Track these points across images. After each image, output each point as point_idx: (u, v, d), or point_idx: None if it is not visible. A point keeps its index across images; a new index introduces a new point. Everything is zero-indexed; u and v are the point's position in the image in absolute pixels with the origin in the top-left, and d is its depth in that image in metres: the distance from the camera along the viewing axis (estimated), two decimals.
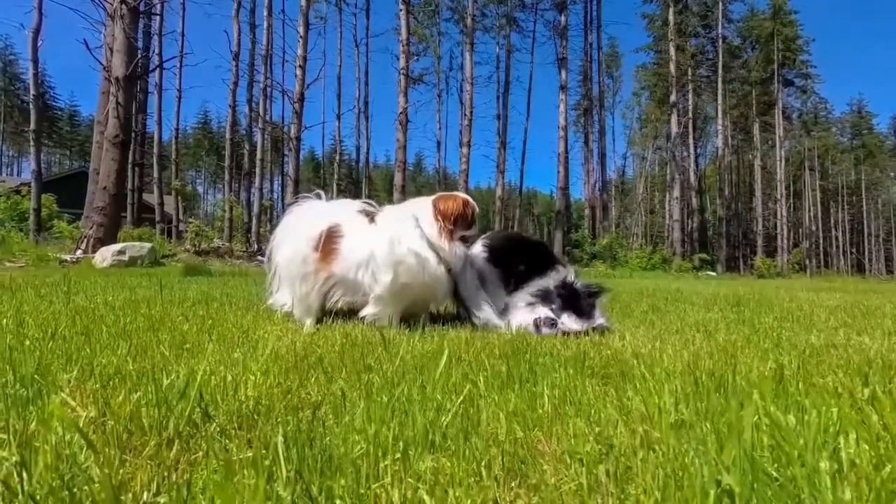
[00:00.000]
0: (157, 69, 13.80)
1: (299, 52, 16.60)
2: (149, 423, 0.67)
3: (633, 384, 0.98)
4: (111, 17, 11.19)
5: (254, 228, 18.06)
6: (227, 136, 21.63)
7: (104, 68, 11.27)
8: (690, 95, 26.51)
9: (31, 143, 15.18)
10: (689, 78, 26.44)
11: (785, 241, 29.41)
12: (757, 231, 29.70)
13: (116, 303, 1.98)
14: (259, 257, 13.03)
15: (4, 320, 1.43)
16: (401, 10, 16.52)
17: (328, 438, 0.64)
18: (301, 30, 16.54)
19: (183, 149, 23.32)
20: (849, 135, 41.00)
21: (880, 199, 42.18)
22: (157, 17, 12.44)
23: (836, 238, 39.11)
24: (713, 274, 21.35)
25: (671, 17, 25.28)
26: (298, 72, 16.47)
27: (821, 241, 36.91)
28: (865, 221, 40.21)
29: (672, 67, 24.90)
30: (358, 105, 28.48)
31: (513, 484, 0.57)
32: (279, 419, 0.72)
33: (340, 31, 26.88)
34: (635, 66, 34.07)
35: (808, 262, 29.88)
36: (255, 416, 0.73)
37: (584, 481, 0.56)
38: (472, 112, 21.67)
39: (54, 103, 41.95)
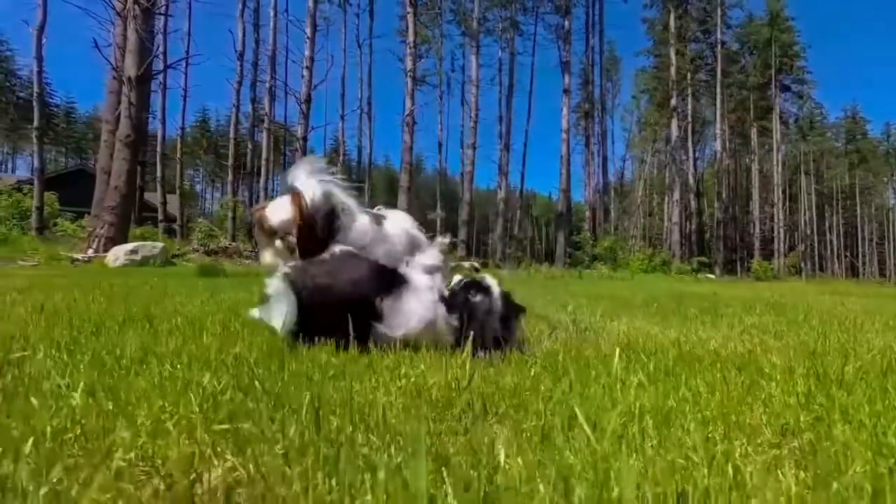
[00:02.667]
0: (167, 69, 13.77)
1: (306, 52, 16.63)
2: None
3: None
4: (120, 15, 11.18)
5: None
6: (231, 135, 21.61)
7: (113, 68, 11.25)
8: (690, 100, 26.82)
9: (35, 140, 15.10)
10: (689, 82, 26.74)
11: (781, 245, 29.81)
12: (754, 234, 30.07)
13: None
14: None
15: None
16: (408, 12, 16.61)
17: None
18: (308, 31, 16.58)
19: (184, 147, 23.20)
20: (843, 140, 41.67)
21: (873, 203, 42.87)
22: (163, 17, 12.44)
23: (831, 241, 39.70)
24: (712, 276, 21.59)
25: (672, 22, 25.57)
26: (305, 73, 16.50)
27: (815, 244, 37.43)
28: (859, 225, 40.85)
29: (673, 72, 25.18)
30: (361, 106, 28.53)
31: None
32: None
33: (344, 32, 26.91)
34: (635, 70, 34.42)
35: (803, 264, 30.29)
36: None
37: None
38: (477, 114, 21.77)
39: (50, 100, 41.57)
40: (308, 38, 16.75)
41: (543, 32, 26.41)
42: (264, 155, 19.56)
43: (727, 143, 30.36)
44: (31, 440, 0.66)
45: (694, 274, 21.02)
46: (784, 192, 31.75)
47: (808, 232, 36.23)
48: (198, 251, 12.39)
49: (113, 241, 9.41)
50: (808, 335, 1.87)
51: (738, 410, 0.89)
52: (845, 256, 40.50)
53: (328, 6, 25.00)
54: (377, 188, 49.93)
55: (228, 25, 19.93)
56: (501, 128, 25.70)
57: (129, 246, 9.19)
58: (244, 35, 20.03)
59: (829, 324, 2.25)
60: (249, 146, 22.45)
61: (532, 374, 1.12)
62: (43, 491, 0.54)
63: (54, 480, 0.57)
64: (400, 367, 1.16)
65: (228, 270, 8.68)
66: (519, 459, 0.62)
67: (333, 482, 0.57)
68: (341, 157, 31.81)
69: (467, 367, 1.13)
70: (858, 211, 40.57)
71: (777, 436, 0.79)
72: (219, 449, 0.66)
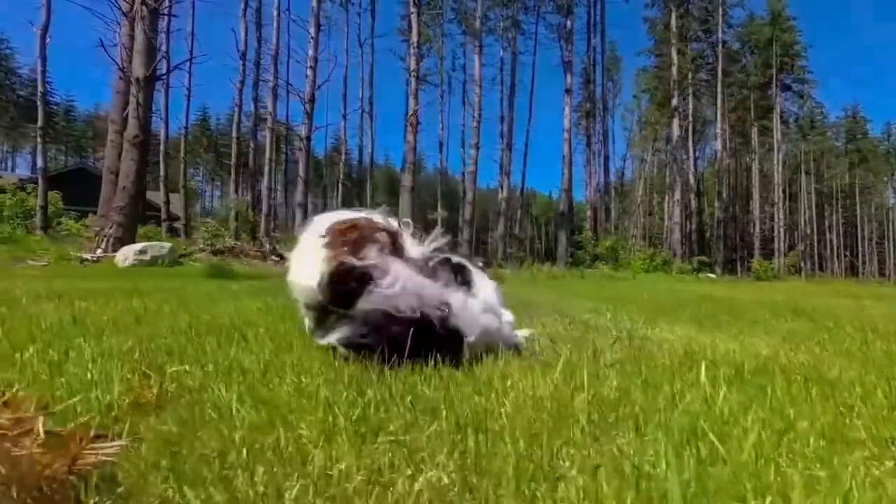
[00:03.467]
0: (174, 70, 13.76)
1: (310, 52, 16.63)
2: None
3: None
4: (126, 16, 11.16)
5: (263, 228, 18.03)
6: (233, 134, 21.57)
7: (120, 68, 11.23)
8: (690, 99, 26.89)
9: (38, 139, 15.05)
10: (690, 82, 26.82)
11: (781, 244, 29.96)
12: (754, 233, 30.19)
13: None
14: (273, 257, 13.05)
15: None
16: (412, 12, 16.58)
17: None
18: (312, 30, 16.57)
19: (186, 146, 23.15)
20: (843, 139, 41.86)
21: (873, 202, 43.09)
22: (166, 17, 12.43)
23: (830, 241, 39.91)
24: (713, 276, 21.69)
25: (673, 22, 25.62)
26: (309, 72, 16.49)
27: (815, 243, 37.63)
28: (859, 225, 41.08)
29: (674, 71, 25.23)
30: (362, 105, 28.52)
31: None
32: None
33: (346, 31, 26.87)
34: (636, 70, 34.46)
35: (802, 264, 30.45)
36: None
37: None
38: (480, 114, 21.77)
39: (50, 98, 41.36)
40: (312, 37, 16.74)
41: (545, 32, 26.44)
42: (267, 154, 19.54)
43: (728, 142, 30.47)
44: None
45: (695, 273, 21.12)
46: (784, 191, 31.90)
47: (808, 231, 36.41)
48: (204, 251, 12.39)
49: (121, 242, 9.42)
50: (850, 343, 1.90)
51: (841, 424, 0.92)
52: (845, 256, 40.72)
53: (330, 5, 24.95)
54: (378, 187, 49.93)
55: (230, 25, 19.90)
56: (503, 127, 25.72)
57: (138, 246, 9.20)
58: (246, 34, 19.99)
59: (862, 330, 2.29)
60: (251, 145, 22.41)
61: (615, 384, 1.15)
62: None
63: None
64: (498, 379, 1.20)
65: (238, 271, 8.70)
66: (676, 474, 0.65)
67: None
68: (343, 157, 31.81)
69: (555, 376, 1.17)
70: (858, 210, 40.79)
71: (883, 449, 0.82)
72: (396, 461, 0.70)
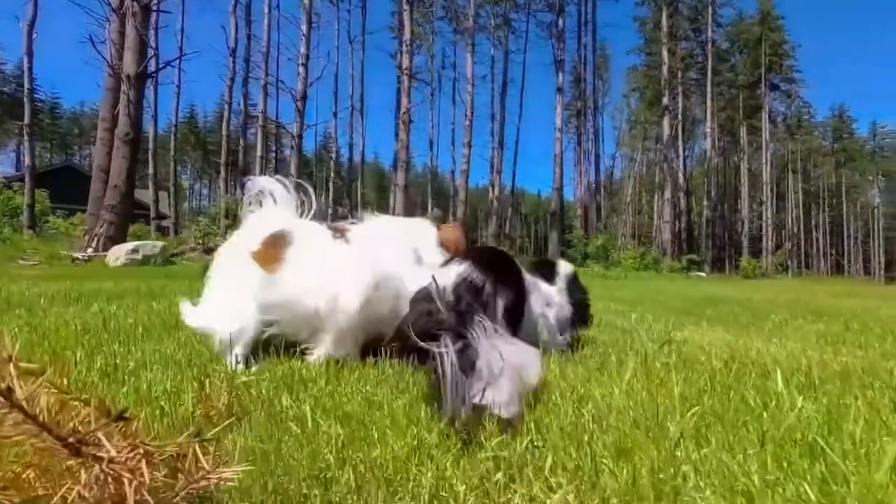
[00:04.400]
0: (164, 67, 13.44)
1: (302, 50, 16.40)
2: None
3: None
4: (116, 12, 10.87)
5: None
6: (223, 132, 21.21)
7: (109, 65, 10.93)
8: (680, 98, 27.20)
9: (25, 137, 14.64)
10: (679, 81, 27.11)
11: (769, 242, 30.53)
12: (742, 232, 30.71)
13: None
14: None
15: None
16: (404, 9, 16.46)
17: None
18: (304, 28, 16.34)
19: (171, 143, 22.71)
20: (830, 139, 42.78)
21: (859, 201, 44.13)
22: (158, 14, 12.16)
23: (817, 239, 40.77)
24: (702, 274, 22.00)
25: (664, 21, 25.84)
26: (301, 70, 16.27)
27: (802, 242, 38.43)
28: (845, 224, 42.05)
29: (665, 70, 25.47)
30: (352, 103, 28.29)
31: None
32: None
33: (337, 29, 26.60)
34: (626, 68, 34.74)
35: (789, 262, 31.07)
36: None
37: None
38: (472, 112, 21.74)
39: (35, 95, 40.20)
40: (304, 34, 16.51)
41: (535, 30, 26.50)
42: (258, 152, 19.25)
43: (716, 141, 30.91)
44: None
45: (685, 272, 21.39)
46: (772, 190, 32.50)
47: (795, 230, 37.16)
48: (196, 249, 12.18)
49: (113, 241, 9.20)
50: (889, 344, 1.91)
51: None
52: (831, 254, 41.65)
53: (320, 3, 24.64)
54: (367, 185, 49.60)
55: (219, 21, 19.57)
56: (494, 126, 25.72)
57: (130, 245, 8.99)
58: (236, 31, 19.66)
59: (892, 331, 2.30)
60: (241, 143, 22.07)
61: (693, 391, 1.12)
62: None
63: None
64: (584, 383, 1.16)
65: None
66: None
67: None
68: (333, 155, 31.52)
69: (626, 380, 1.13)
70: (844, 209, 41.75)
71: None
72: (505, 480, 0.66)
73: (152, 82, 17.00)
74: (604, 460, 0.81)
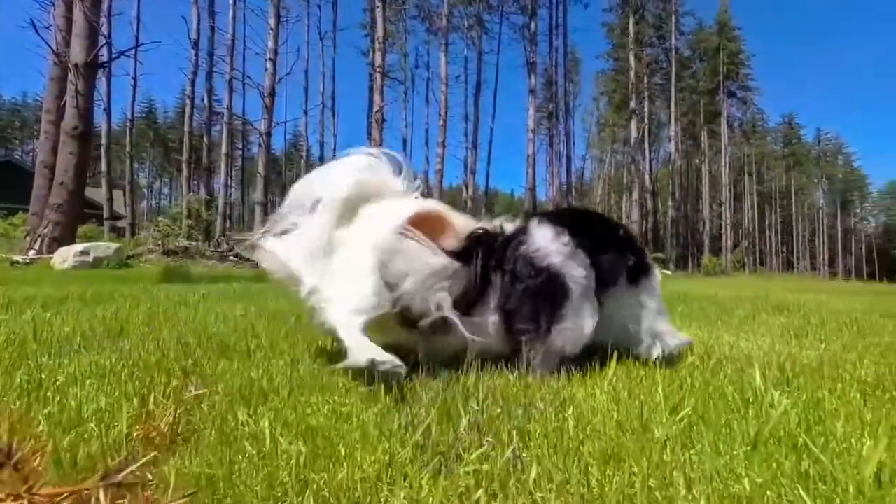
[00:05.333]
0: (118, 57, 12.63)
1: (269, 44, 15.87)
2: None
3: None
4: None
5: (219, 227, 17.05)
6: (185, 128, 20.23)
7: (55, 53, 10.15)
8: (646, 102, 28.21)
9: None
10: (645, 85, 28.12)
11: (728, 241, 32.16)
12: (704, 231, 32.20)
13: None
14: (231, 258, 12.34)
15: None
16: (377, 6, 16.23)
17: None
18: (272, 21, 15.82)
19: (126, 139, 21.42)
20: (781, 144, 45.61)
21: (806, 203, 47.33)
22: None
23: (770, 238, 43.39)
24: (668, 272, 22.86)
25: (631, 28, 26.72)
26: (269, 65, 15.74)
27: (757, 240, 40.80)
28: (794, 223, 44.98)
29: (632, 75, 26.33)
30: (323, 100, 27.70)
31: None
32: None
33: (307, 24, 25.95)
34: (595, 72, 35.68)
35: (746, 260, 32.87)
36: None
37: None
38: (446, 112, 21.73)
39: None
40: (271, 28, 15.97)
41: (508, 32, 26.78)
42: (223, 150, 18.47)
43: (680, 144, 32.26)
44: None
45: None
46: (730, 191, 34.27)
47: (751, 229, 39.37)
48: (154, 252, 11.51)
49: (59, 242, 8.56)
50: (846, 337, 1.98)
51: None
52: (782, 252, 44.45)
53: None
54: None
55: (180, 11, 18.62)
56: (468, 126, 25.81)
57: (79, 247, 8.39)
58: (199, 22, 18.76)
59: (847, 324, 2.40)
60: (205, 140, 21.11)
61: (673, 388, 1.09)
62: None
63: None
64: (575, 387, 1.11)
65: (197, 273, 8.11)
66: None
67: None
68: (304, 154, 30.74)
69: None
70: (794, 210, 44.67)
71: None
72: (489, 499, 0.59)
73: (104, 73, 16.01)
74: (592, 469, 0.76)
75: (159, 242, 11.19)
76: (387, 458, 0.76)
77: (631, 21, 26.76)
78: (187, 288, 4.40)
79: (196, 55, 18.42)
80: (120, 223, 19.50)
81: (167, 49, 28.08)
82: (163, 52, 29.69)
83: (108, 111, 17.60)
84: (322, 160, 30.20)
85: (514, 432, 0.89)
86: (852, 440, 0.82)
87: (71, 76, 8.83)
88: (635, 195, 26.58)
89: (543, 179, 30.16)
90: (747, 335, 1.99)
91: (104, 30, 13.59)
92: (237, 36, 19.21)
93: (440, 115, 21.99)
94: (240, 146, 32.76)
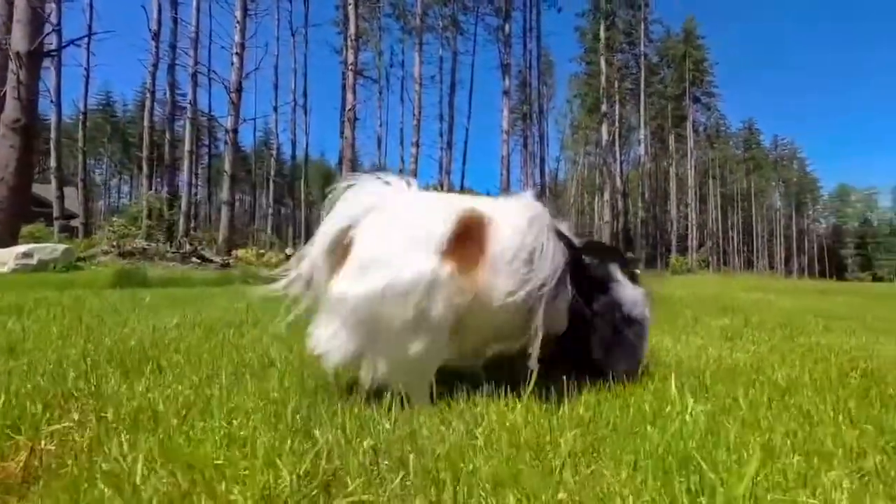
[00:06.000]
0: (67, 46, 11.88)
1: (236, 38, 15.34)
2: None
3: None
4: None
5: (182, 227, 16.36)
6: (145, 123, 19.32)
7: None
8: (617, 106, 28.99)
9: None
10: (616, 90, 28.90)
11: (693, 241, 33.49)
12: (671, 231, 33.40)
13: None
14: (194, 259, 11.85)
15: None
16: (349, 3, 15.98)
17: None
18: (238, 14, 15.29)
19: (85, 134, 20.25)
20: (742, 148, 47.96)
21: (765, 204, 49.94)
22: None
23: (732, 238, 45.56)
24: (637, 271, 23.60)
25: (602, 33, 27.37)
26: (235, 60, 15.21)
27: (720, 240, 42.75)
28: (754, 225, 47.40)
29: (603, 80, 26.99)
30: (294, 97, 27.08)
31: None
32: None
33: (277, 19, 25.30)
34: (569, 75, 36.39)
35: (711, 259, 34.33)
36: None
37: None
38: (420, 112, 21.64)
39: None
40: (238, 21, 15.43)
41: (484, 33, 26.93)
42: (186, 146, 17.74)
43: (649, 147, 33.35)
44: None
45: None
46: (696, 193, 35.72)
47: (715, 230, 41.19)
48: (109, 253, 10.90)
49: None
50: (777, 339, 2.04)
51: (809, 435, 0.90)
52: (743, 251, 46.75)
53: None
54: (313, 183, 47.72)
55: (140, 0, 17.69)
56: (443, 126, 25.80)
57: (21, 248, 7.84)
58: (160, 13, 17.94)
59: (781, 326, 2.49)
60: (167, 136, 20.21)
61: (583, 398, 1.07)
62: None
63: None
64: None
65: (154, 276, 7.71)
66: None
67: None
68: (274, 152, 29.98)
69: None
70: (753, 212, 47.09)
71: (853, 461, 0.81)
72: None
73: (53, 62, 15.02)
74: (482, 493, 0.72)
75: (115, 243, 10.58)
76: (266, 491, 0.70)
77: (602, 27, 27.40)
78: (134, 293, 4.16)
79: (156, 47, 17.59)
80: (73, 223, 18.41)
81: (125, 39, 26.81)
82: (121, 42, 28.28)
83: (57, 103, 16.54)
84: (294, 159, 29.48)
85: (413, 455, 0.83)
86: (742, 449, 0.81)
87: (12, 65, 8.23)
88: (607, 196, 27.25)
89: (518, 180, 30.49)
90: (687, 338, 2.02)
91: (53, 17, 12.79)
92: (201, 28, 18.51)
93: (414, 114, 21.88)
94: (206, 143, 31.62)
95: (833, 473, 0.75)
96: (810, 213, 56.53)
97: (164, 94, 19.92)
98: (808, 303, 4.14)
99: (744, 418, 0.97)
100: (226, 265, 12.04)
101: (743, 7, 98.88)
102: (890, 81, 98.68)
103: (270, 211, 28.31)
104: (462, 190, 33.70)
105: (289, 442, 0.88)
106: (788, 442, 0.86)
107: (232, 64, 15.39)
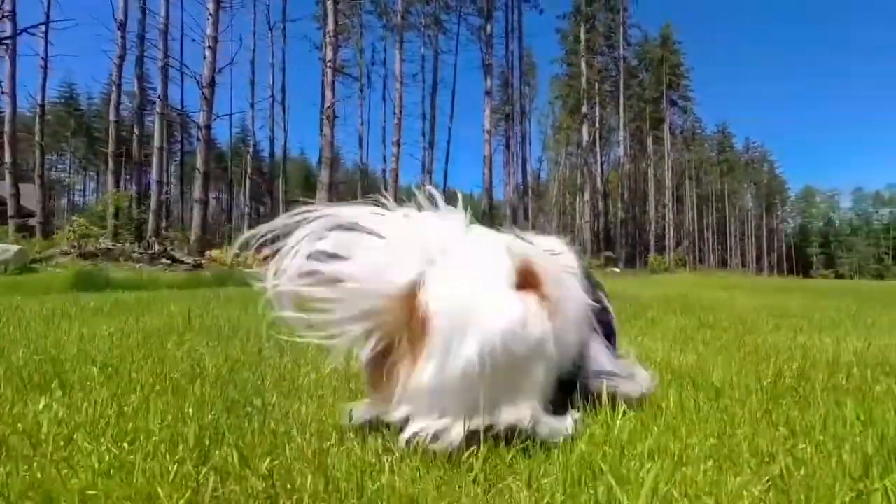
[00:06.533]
0: (21, 34, 11.28)
1: (209, 31, 14.89)
2: None
3: None
4: None
5: (151, 226, 15.80)
6: (111, 117, 18.54)
7: None
8: (597, 108, 29.46)
9: None
10: (596, 92, 29.36)
11: (671, 241, 34.38)
12: (650, 231, 34.19)
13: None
14: (164, 260, 11.45)
15: None
16: None
17: None
18: (211, 6, 14.84)
19: (44, 128, 19.31)
20: (716, 151, 49.53)
21: (738, 205, 51.74)
22: None
23: (707, 238, 47.08)
24: (617, 270, 24.08)
25: (582, 35, 27.75)
26: (208, 53, 14.77)
27: (696, 240, 44.11)
28: (728, 224, 49.08)
29: (583, 81, 27.36)
30: (273, 94, 26.54)
31: None
32: None
33: (254, 12, 24.73)
34: (550, 77, 36.77)
35: (687, 258, 35.31)
36: None
37: None
38: (401, 111, 21.49)
39: None
40: (210, 14, 14.98)
41: (466, 33, 26.91)
42: (156, 143, 17.13)
43: (628, 148, 34.02)
44: None
45: (602, 268, 23.26)
46: (673, 194, 36.69)
47: (691, 229, 42.42)
48: (69, 254, 10.40)
49: None
50: (727, 338, 2.05)
51: (727, 439, 0.88)
52: (718, 251, 48.41)
53: None
54: (293, 182, 46.89)
55: None
56: (425, 125, 25.70)
57: None
58: (126, 2, 17.23)
59: (735, 325, 2.52)
60: (136, 131, 19.47)
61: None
62: None
63: None
64: None
65: (116, 278, 7.37)
66: None
67: None
68: (251, 149, 29.32)
69: None
70: (727, 212, 48.80)
71: (762, 466, 0.79)
72: None
73: (7, 51, 14.25)
74: None
75: (75, 244, 10.07)
76: None
77: (582, 29, 27.78)
78: (77, 298, 3.92)
79: (123, 38, 16.89)
80: (31, 222, 17.52)
81: (89, 29, 25.65)
82: (85, 32, 27.11)
83: (12, 95, 15.67)
84: (272, 156, 28.87)
85: (311, 477, 0.77)
86: (652, 461, 0.79)
87: None
88: (587, 196, 27.67)
89: (501, 180, 30.64)
90: (642, 340, 2.02)
91: (7, 4, 12.13)
92: (172, 20, 17.91)
93: (395, 113, 21.71)
94: (178, 139, 30.67)
95: (739, 480, 0.73)
96: (779, 213, 58.81)
97: (133, 87, 19.21)
98: (766, 301, 4.26)
99: (668, 424, 0.95)
100: (198, 266, 11.66)
101: (716, 12, 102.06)
102: (849, 87, 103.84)
103: (247, 210, 27.67)
104: (445, 190, 33.62)
105: (175, 467, 0.80)
106: (705, 447, 0.84)
107: (204, 58, 14.94)
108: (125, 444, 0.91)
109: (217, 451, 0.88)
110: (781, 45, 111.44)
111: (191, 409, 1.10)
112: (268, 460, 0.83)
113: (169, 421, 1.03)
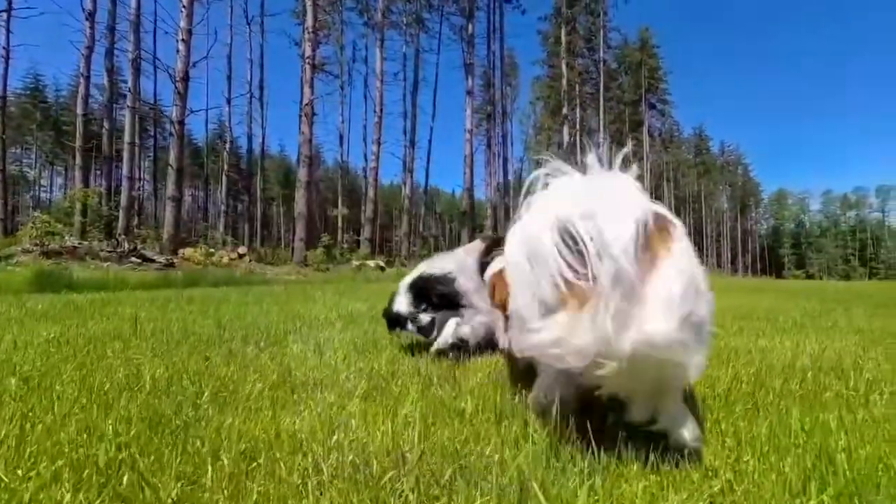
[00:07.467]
0: None
1: (182, 24, 14.40)
2: None
3: None
4: None
5: (121, 224, 15.22)
6: (78, 110, 17.77)
7: None
8: (578, 109, 29.81)
9: None
10: (577, 93, 29.72)
11: None
12: None
13: None
14: (133, 259, 11.03)
15: None
16: None
17: None
18: None
19: (6, 120, 18.38)
20: (693, 153, 50.85)
21: (714, 207, 53.24)
22: None
23: None
24: None
25: (563, 37, 28.03)
26: (181, 46, 14.28)
27: None
28: (704, 225, 50.45)
29: (564, 83, 27.65)
30: (251, 90, 25.96)
31: None
32: None
33: (231, 6, 24.12)
34: (532, 78, 37.07)
35: None
36: None
37: None
38: (382, 109, 21.30)
39: None
40: (184, 6, 14.51)
41: (448, 32, 26.86)
42: (127, 138, 16.50)
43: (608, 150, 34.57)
44: None
45: None
46: (652, 195, 37.43)
47: None
48: (31, 252, 9.91)
49: None
50: None
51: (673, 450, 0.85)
52: (694, 251, 49.82)
53: None
54: (272, 179, 45.99)
55: None
56: (406, 124, 25.54)
57: None
58: None
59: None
60: (106, 126, 18.73)
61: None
62: None
63: None
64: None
65: (79, 278, 7.05)
66: None
67: None
68: (227, 145, 28.59)
69: None
70: (703, 213, 50.12)
71: (701, 480, 0.77)
72: None
73: None
74: None
75: (38, 242, 9.57)
76: None
77: (563, 31, 28.05)
78: (38, 299, 3.72)
79: (91, 29, 16.22)
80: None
81: (56, 18, 24.54)
82: (52, 21, 25.98)
83: None
84: (250, 153, 28.21)
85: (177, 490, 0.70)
86: (587, 476, 0.75)
87: None
88: None
89: (482, 180, 30.70)
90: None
91: None
92: (144, 11, 17.28)
93: (376, 111, 21.51)
94: (152, 134, 29.67)
95: (677, 498, 0.70)
96: (753, 214, 60.82)
97: (103, 80, 18.47)
98: (735, 302, 4.34)
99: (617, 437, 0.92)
100: (169, 265, 11.29)
101: (697, 16, 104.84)
102: (819, 93, 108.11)
103: (224, 208, 26.96)
104: (426, 189, 33.58)
105: (69, 497, 0.72)
106: (647, 463, 0.81)
107: (177, 51, 14.44)
108: (19, 472, 0.83)
109: (126, 476, 0.81)
110: (756, 51, 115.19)
111: (111, 427, 1.02)
112: (179, 485, 0.77)
113: (83, 440, 0.95)
